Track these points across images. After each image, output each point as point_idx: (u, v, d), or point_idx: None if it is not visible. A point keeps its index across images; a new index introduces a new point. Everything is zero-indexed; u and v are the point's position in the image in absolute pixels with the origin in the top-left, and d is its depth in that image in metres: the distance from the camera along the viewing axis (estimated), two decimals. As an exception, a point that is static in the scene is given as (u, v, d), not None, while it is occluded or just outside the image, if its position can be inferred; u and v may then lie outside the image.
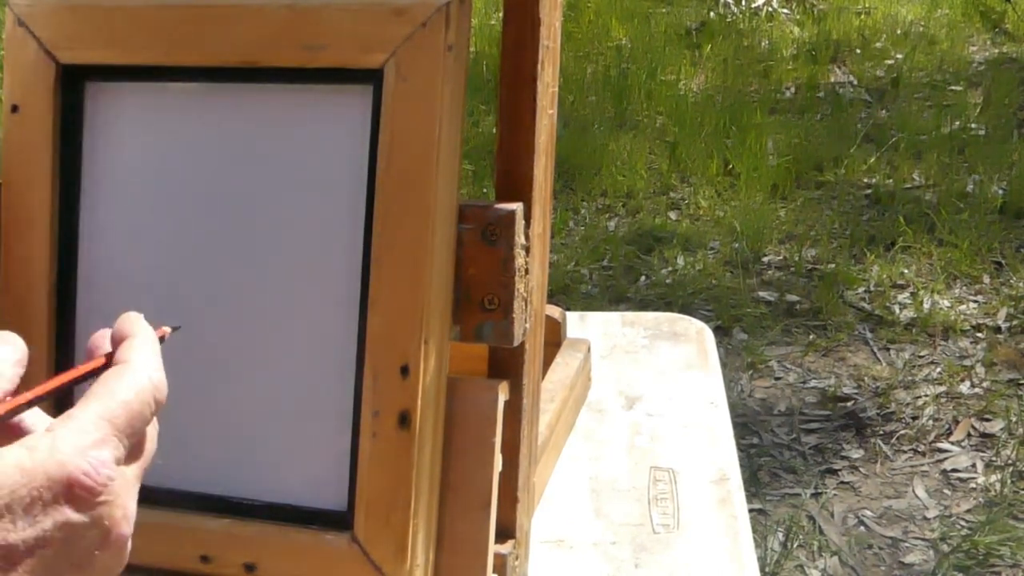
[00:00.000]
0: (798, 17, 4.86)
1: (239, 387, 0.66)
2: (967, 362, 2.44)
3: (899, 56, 4.38)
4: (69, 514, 0.44)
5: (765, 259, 2.93)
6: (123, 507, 0.46)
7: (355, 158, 0.63)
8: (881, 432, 2.24)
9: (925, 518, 2.00)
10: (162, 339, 0.62)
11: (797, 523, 1.97)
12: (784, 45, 4.54)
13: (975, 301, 2.69)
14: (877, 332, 2.58)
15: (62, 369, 0.68)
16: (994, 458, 2.15)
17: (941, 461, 2.15)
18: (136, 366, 0.51)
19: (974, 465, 2.13)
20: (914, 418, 2.27)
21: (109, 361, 0.61)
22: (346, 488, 0.63)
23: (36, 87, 0.67)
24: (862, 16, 4.84)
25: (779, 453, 2.19)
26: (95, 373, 0.59)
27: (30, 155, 0.67)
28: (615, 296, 2.76)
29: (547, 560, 0.77)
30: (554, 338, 0.92)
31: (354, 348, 0.63)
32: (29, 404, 0.53)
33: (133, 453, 0.49)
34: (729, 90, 4.09)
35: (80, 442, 0.46)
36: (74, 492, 0.44)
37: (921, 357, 2.47)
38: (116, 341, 0.53)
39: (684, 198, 3.29)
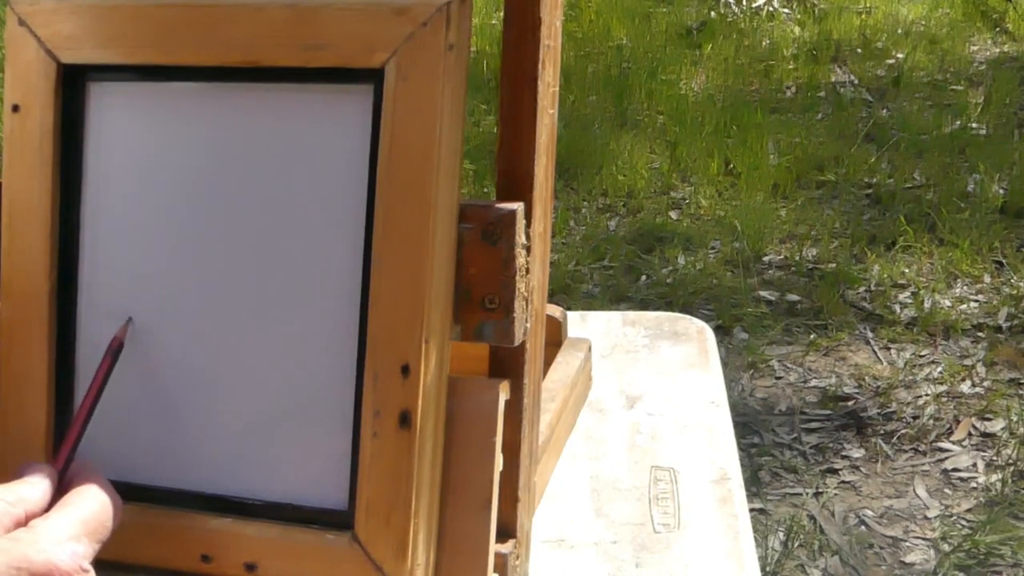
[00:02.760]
0: (799, 16, 4.86)
1: (239, 386, 0.66)
2: (968, 361, 2.44)
3: (900, 55, 4.38)
4: None
5: (766, 259, 2.93)
6: None
7: (355, 158, 0.63)
8: (882, 432, 2.24)
9: (926, 517, 2.00)
10: (121, 345, 0.64)
11: (798, 522, 1.97)
12: (785, 44, 4.54)
13: (976, 300, 2.69)
14: (878, 332, 2.58)
15: (62, 367, 0.68)
16: (995, 458, 2.15)
17: (942, 461, 2.15)
18: (100, 488, 0.59)
19: (975, 465, 2.13)
20: (915, 417, 2.27)
21: (117, 354, 0.63)
22: (347, 488, 0.63)
23: (37, 86, 0.67)
24: (863, 15, 4.84)
25: (780, 453, 2.19)
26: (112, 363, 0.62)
27: (31, 154, 0.67)
28: (616, 296, 2.76)
29: (548, 560, 0.77)
30: (555, 338, 0.92)
31: (355, 347, 0.63)
32: (78, 437, 0.62)
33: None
34: (730, 89, 4.09)
35: (58, 536, 0.54)
36: None
37: (922, 356, 2.47)
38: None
39: (685, 197, 3.30)
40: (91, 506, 0.57)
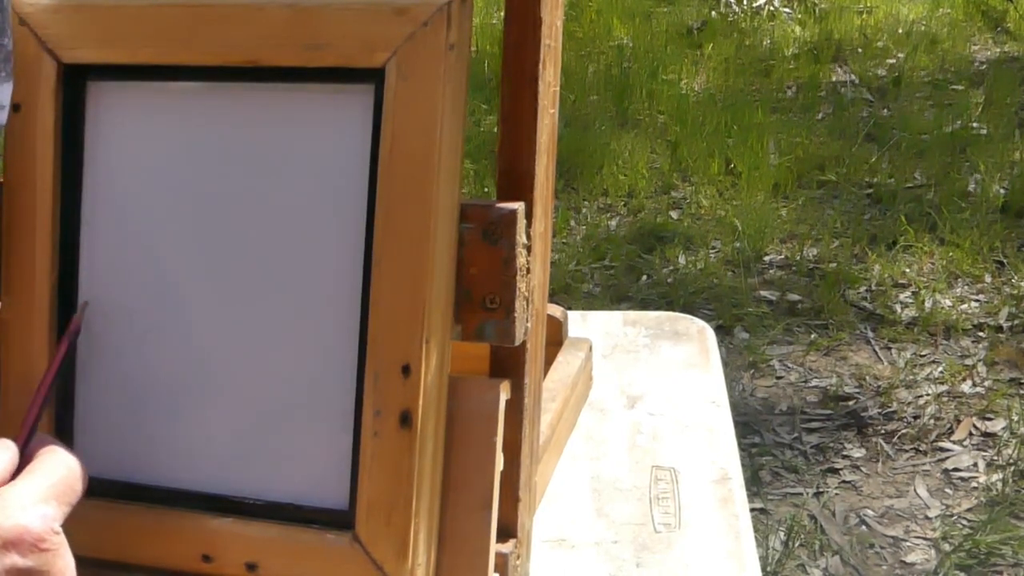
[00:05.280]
0: (799, 16, 4.86)
1: (240, 386, 0.66)
2: (969, 361, 2.44)
3: (901, 55, 4.37)
4: (16, 559, 0.51)
5: (767, 258, 2.93)
6: (65, 561, 0.53)
7: (356, 157, 0.63)
8: (883, 431, 2.24)
9: (927, 517, 2.00)
10: (78, 330, 0.64)
11: (799, 522, 1.97)
12: (786, 44, 4.54)
13: (977, 300, 2.69)
14: (879, 331, 2.57)
15: (63, 367, 0.68)
16: (995, 457, 2.15)
17: (943, 460, 2.15)
18: (65, 453, 0.58)
19: (975, 464, 2.13)
20: (915, 417, 2.27)
21: (74, 337, 0.63)
22: (347, 487, 0.63)
23: (38, 86, 0.67)
24: (864, 15, 4.84)
25: (780, 452, 2.19)
26: (68, 353, 0.62)
27: (31, 154, 0.67)
28: (616, 295, 2.76)
29: (549, 559, 0.77)
30: (555, 337, 0.92)
31: (355, 347, 0.63)
32: (38, 415, 0.61)
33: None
34: (730, 89, 4.09)
35: (26, 500, 0.53)
36: (22, 540, 0.51)
37: (923, 356, 2.47)
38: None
39: (685, 197, 3.29)
40: (57, 471, 0.56)
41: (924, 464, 2.14)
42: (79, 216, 0.68)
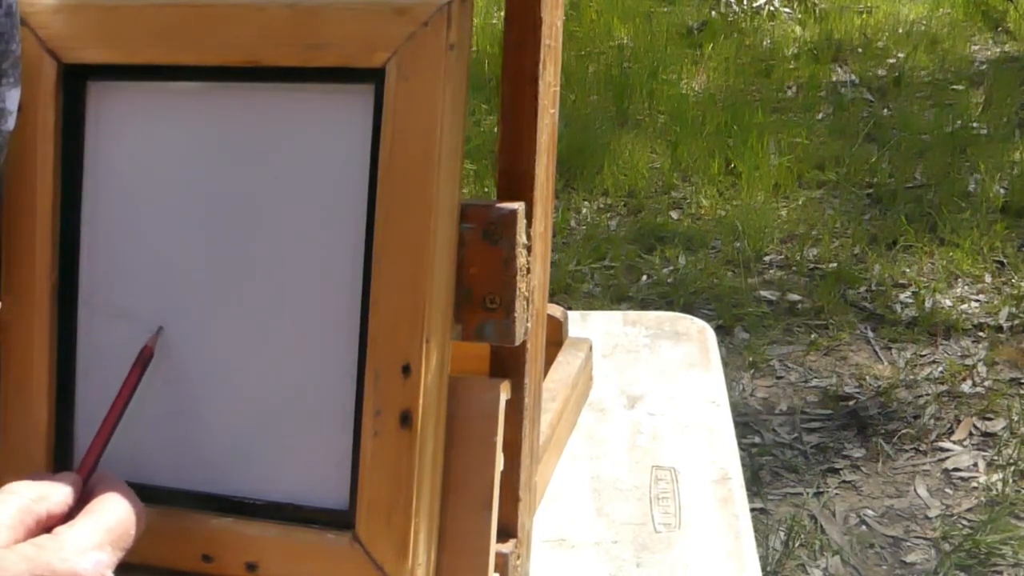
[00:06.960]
0: (800, 16, 4.86)
1: (240, 386, 0.66)
2: (969, 361, 2.44)
3: (901, 55, 4.37)
4: None
5: (767, 258, 2.93)
6: None
7: (356, 157, 0.64)
8: (883, 431, 2.24)
9: (927, 517, 2.00)
10: (151, 355, 0.63)
11: (799, 522, 1.97)
12: (786, 44, 4.54)
13: (977, 300, 2.69)
14: (879, 331, 2.57)
15: (63, 367, 0.68)
16: (996, 457, 2.15)
17: (943, 460, 2.15)
18: (124, 496, 0.58)
19: (976, 464, 2.13)
20: (916, 417, 2.27)
21: (146, 364, 0.63)
22: (348, 487, 0.63)
23: (38, 86, 0.67)
24: (864, 15, 4.84)
25: (781, 452, 2.19)
26: (141, 372, 0.62)
27: (32, 154, 0.67)
28: (617, 295, 2.76)
29: (549, 559, 0.77)
30: (556, 337, 0.92)
31: (355, 347, 0.63)
32: (103, 446, 0.62)
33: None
34: (731, 89, 4.09)
35: (83, 544, 0.54)
36: None
37: (923, 356, 2.47)
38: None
39: (686, 197, 3.29)
40: (116, 514, 0.57)
41: (924, 464, 2.14)
42: (79, 216, 0.68)
